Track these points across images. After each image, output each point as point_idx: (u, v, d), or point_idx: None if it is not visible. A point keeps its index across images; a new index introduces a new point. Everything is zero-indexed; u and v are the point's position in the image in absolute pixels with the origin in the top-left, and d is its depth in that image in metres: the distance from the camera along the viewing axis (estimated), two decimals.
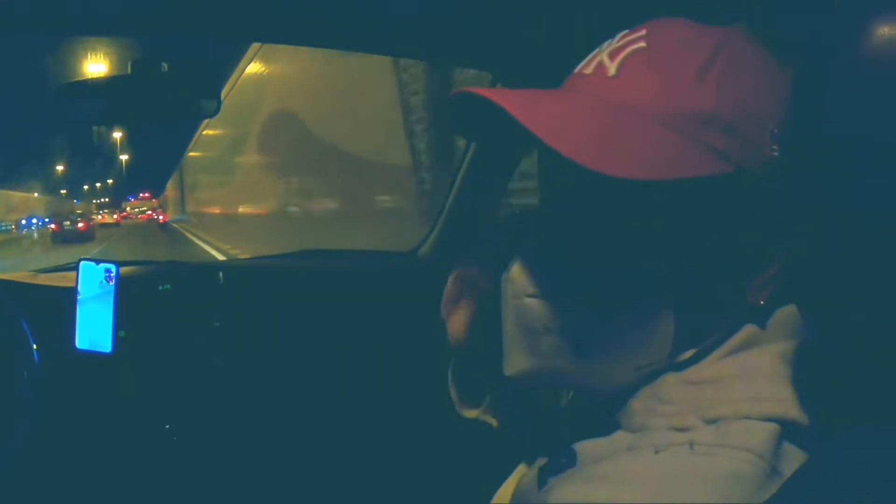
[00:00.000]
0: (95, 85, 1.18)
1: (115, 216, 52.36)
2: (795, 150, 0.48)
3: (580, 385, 0.57)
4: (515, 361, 0.56)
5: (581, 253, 0.53)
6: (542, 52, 1.19)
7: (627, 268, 0.51)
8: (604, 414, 0.57)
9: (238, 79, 19.00)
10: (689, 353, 0.53)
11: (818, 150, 0.40)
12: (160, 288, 1.26)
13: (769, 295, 0.52)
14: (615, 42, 0.55)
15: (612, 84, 0.53)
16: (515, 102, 0.49)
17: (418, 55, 1.44)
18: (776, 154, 0.49)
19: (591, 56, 0.56)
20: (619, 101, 0.51)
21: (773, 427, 0.48)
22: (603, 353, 0.53)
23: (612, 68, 0.53)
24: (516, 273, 0.56)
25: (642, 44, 0.53)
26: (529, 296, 0.54)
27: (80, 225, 26.96)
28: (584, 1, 1.00)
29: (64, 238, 24.97)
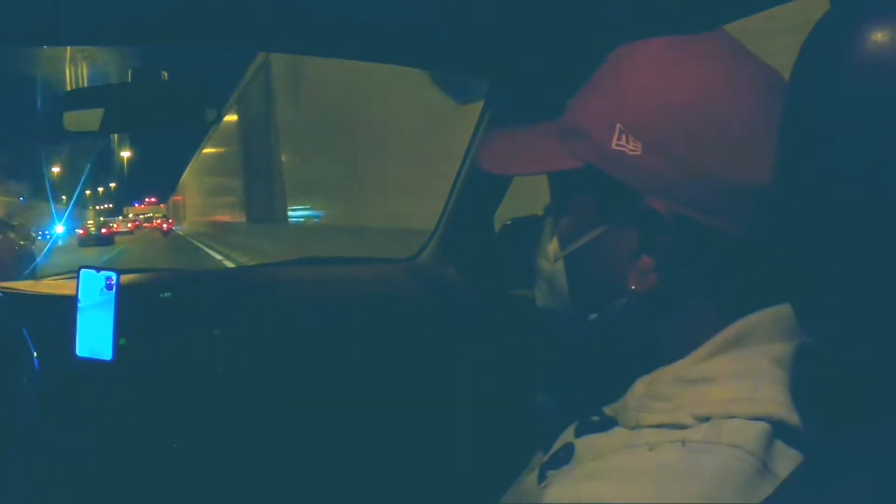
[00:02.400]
0: (96, 93, 1.19)
1: (130, 225, 60.41)
2: (794, 152, 0.49)
3: (559, 324, 0.68)
4: (537, 298, 0.70)
5: (549, 224, 0.67)
6: (538, 59, 1.20)
7: (548, 238, 0.65)
8: (601, 410, 0.61)
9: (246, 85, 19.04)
10: (592, 317, 0.62)
11: (811, 148, 0.41)
12: (161, 296, 1.27)
13: (650, 285, 0.57)
14: None
15: (567, 107, 0.64)
16: (507, 135, 0.69)
17: (417, 64, 1.45)
18: (623, 149, 0.56)
19: None
20: (559, 120, 0.63)
21: (763, 426, 0.49)
22: (550, 297, 0.67)
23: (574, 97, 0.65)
24: (530, 235, 0.71)
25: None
26: (535, 253, 0.68)
27: (103, 231, 33.90)
28: (581, 9, 1.00)
29: (89, 242, 30.81)
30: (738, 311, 0.56)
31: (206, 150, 32.33)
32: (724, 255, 0.55)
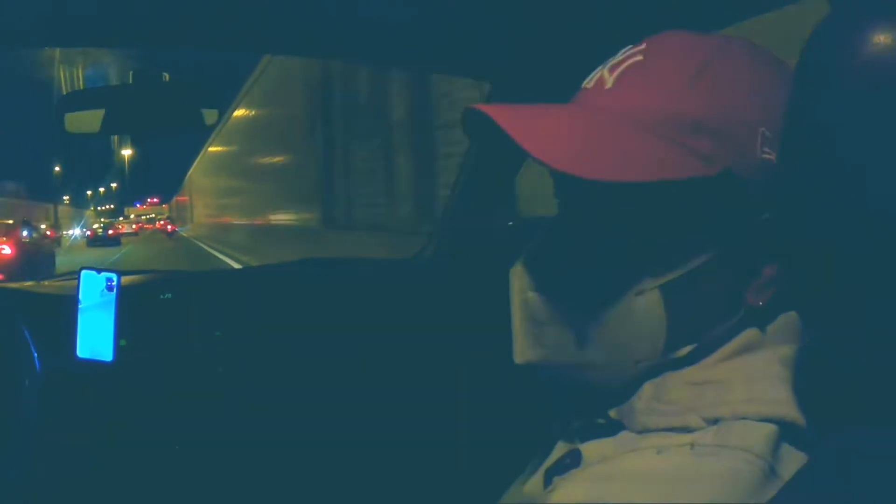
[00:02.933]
0: (97, 95, 1.19)
1: (135, 226, 62.26)
2: (795, 153, 0.49)
3: (583, 378, 0.58)
4: (523, 351, 0.59)
5: (579, 251, 0.56)
6: (539, 61, 1.20)
7: (620, 266, 0.54)
8: (607, 414, 0.59)
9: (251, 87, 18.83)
10: (684, 351, 0.55)
11: (816, 152, 0.41)
12: (161, 297, 1.27)
13: (769, 297, 0.54)
14: (617, 57, 0.58)
15: (609, 96, 0.56)
16: (510, 117, 0.53)
17: (418, 66, 1.45)
18: (768, 157, 0.51)
19: (595, 70, 0.60)
20: (613, 111, 0.54)
21: (771, 428, 0.49)
22: (601, 346, 0.55)
23: (609, 81, 0.57)
24: (521, 269, 0.60)
25: (640, 57, 0.56)
26: (534, 290, 0.58)
27: (110, 232, 36.29)
28: (582, 11, 1.01)
29: (97, 242, 33.05)
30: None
31: (214, 149, 31.62)
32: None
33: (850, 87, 0.39)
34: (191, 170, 43.96)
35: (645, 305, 0.53)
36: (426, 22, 1.10)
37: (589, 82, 0.59)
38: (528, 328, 0.59)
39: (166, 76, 1.14)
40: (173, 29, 1.06)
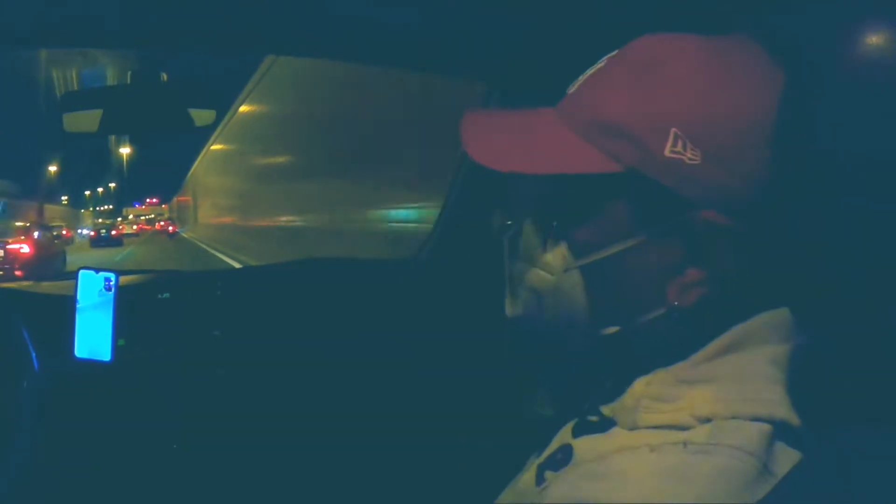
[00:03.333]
0: (95, 95, 1.19)
1: (136, 227, 62.27)
2: (790, 153, 0.49)
3: (548, 338, 0.65)
4: (512, 307, 0.66)
5: (538, 232, 0.62)
6: (536, 63, 1.20)
7: (560, 245, 0.60)
8: (599, 410, 0.60)
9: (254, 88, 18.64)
10: (611, 330, 0.59)
11: (811, 155, 0.41)
12: (159, 296, 1.27)
13: (694, 300, 0.54)
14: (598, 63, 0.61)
15: (567, 99, 0.61)
16: (479, 117, 0.63)
17: (415, 67, 1.45)
18: (681, 157, 0.52)
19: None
20: (564, 112, 0.59)
21: (764, 427, 0.49)
22: (551, 313, 0.61)
23: (575, 86, 0.61)
24: (507, 241, 0.67)
25: (603, 63, 0.60)
26: (512, 260, 0.65)
27: (113, 233, 37.97)
28: (579, 13, 1.01)
29: (100, 243, 34.11)
30: (756, 311, 0.55)
31: (217, 147, 30.29)
32: (759, 260, 0.52)
33: (840, 87, 0.40)
34: (193, 167, 43.20)
35: (571, 281, 0.59)
36: (424, 23, 1.10)
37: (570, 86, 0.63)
38: (511, 290, 0.66)
39: (164, 76, 1.14)
40: (173, 29, 1.06)
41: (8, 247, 14.17)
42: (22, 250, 14.13)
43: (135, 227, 62.96)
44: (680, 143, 0.52)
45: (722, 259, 0.53)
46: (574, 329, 0.60)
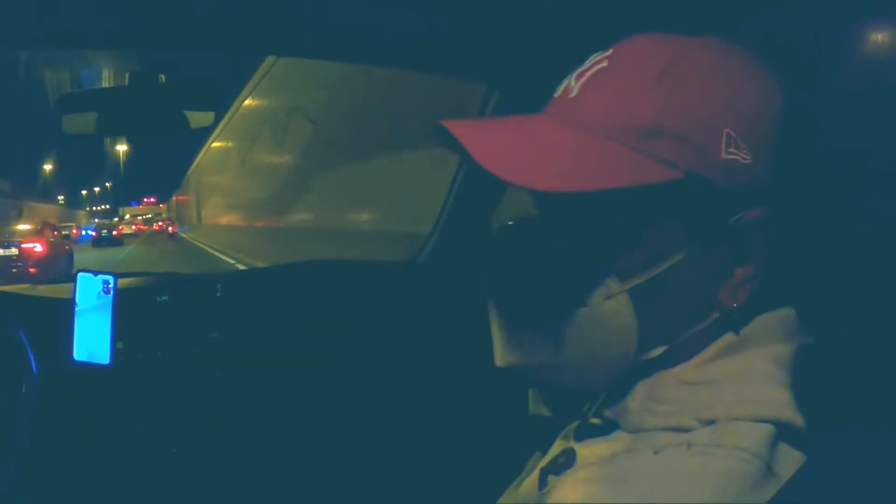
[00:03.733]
0: (93, 96, 1.19)
1: (134, 227, 63.32)
2: (792, 153, 0.49)
3: (560, 380, 0.59)
4: (502, 355, 0.61)
5: (549, 256, 0.57)
6: (535, 63, 1.20)
7: (588, 270, 0.54)
8: (602, 413, 0.59)
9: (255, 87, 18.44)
10: (657, 352, 0.55)
11: (816, 155, 0.41)
12: (158, 299, 1.26)
13: (745, 298, 0.53)
14: (585, 64, 0.58)
15: (573, 105, 0.56)
16: (470, 132, 0.55)
17: (414, 67, 1.45)
18: (734, 157, 0.51)
19: (564, 79, 0.60)
20: (575, 119, 0.55)
21: (767, 428, 0.49)
22: (574, 349, 0.55)
23: (574, 90, 0.57)
24: (495, 274, 0.61)
25: (605, 63, 0.56)
26: (507, 295, 0.60)
27: (114, 233, 39.34)
28: (578, 13, 1.00)
29: (102, 243, 34.73)
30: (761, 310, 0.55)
31: (218, 144, 29.18)
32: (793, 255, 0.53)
33: (841, 87, 0.40)
34: (194, 164, 42.29)
35: (614, 309, 0.54)
36: (425, 24, 1.10)
37: (558, 91, 0.59)
38: (505, 332, 0.60)
39: (163, 78, 1.13)
40: (171, 30, 1.06)
41: (23, 246, 14.97)
42: (35, 249, 14.94)
43: (133, 227, 63.83)
44: (733, 144, 0.51)
45: (766, 254, 0.52)
46: (603, 363, 0.56)
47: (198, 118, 1.19)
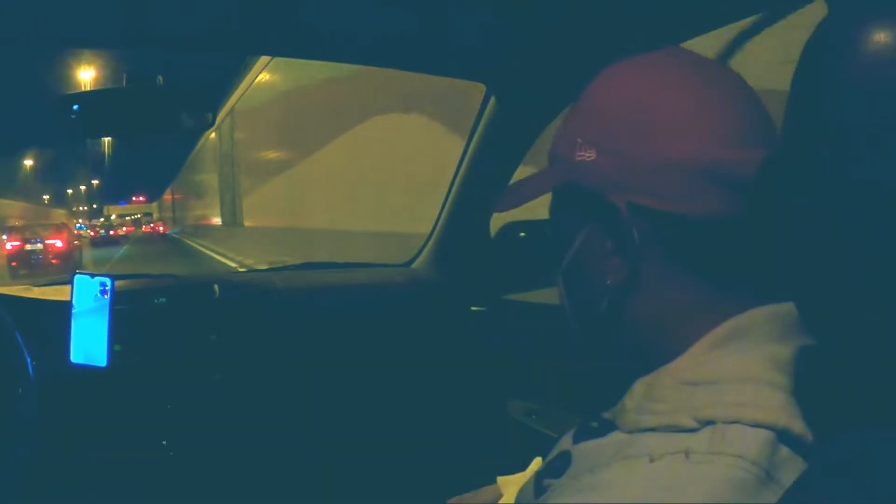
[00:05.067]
0: (91, 97, 1.18)
1: (124, 229, 63.56)
2: (792, 151, 0.49)
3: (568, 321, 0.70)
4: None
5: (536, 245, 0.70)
6: (535, 64, 1.20)
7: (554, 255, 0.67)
8: (600, 415, 0.60)
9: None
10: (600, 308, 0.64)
11: (817, 153, 0.41)
12: (156, 301, 1.26)
13: (623, 277, 0.59)
14: None
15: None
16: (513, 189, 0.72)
17: (414, 68, 1.45)
18: (584, 158, 0.60)
19: None
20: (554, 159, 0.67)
21: (767, 434, 0.48)
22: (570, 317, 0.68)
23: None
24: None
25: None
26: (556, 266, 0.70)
27: (112, 233, 44.25)
28: (577, 15, 1.00)
29: (100, 242, 38.83)
30: (725, 297, 0.57)
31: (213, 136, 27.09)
32: (690, 239, 0.57)
33: (848, 88, 0.39)
34: (188, 160, 41.30)
35: (561, 283, 0.68)
36: (423, 24, 1.10)
37: None
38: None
39: (160, 79, 1.13)
40: (168, 31, 1.06)
41: (46, 242, 18.50)
42: (57, 245, 18.51)
43: (123, 228, 64.58)
44: (584, 148, 0.61)
45: (632, 237, 0.58)
46: (573, 318, 0.68)
47: (196, 120, 1.18)
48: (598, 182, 0.59)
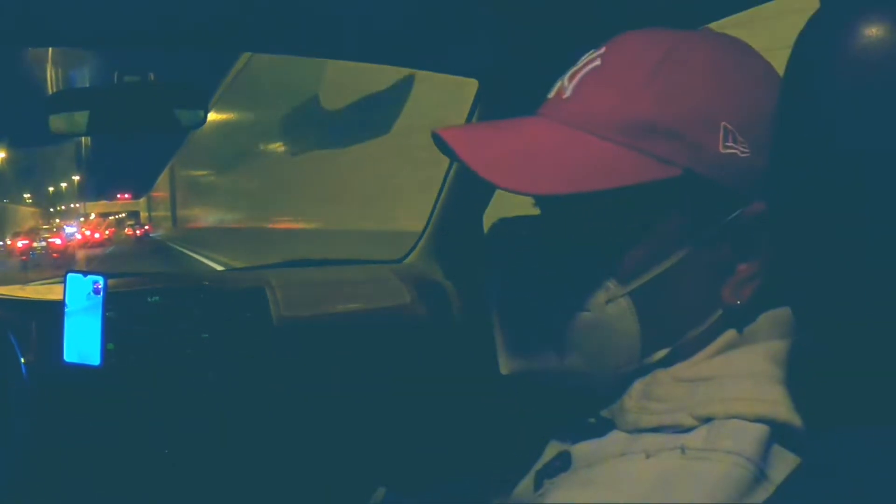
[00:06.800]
0: (82, 95, 1.18)
1: (98, 236, 55.94)
2: (786, 149, 0.49)
3: (566, 385, 0.59)
4: (506, 363, 0.60)
5: (551, 261, 0.56)
6: (526, 59, 1.20)
7: (589, 274, 0.54)
8: (598, 414, 0.58)
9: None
10: (662, 354, 0.55)
11: (808, 148, 0.41)
12: (149, 300, 1.25)
13: (749, 294, 0.53)
14: (577, 64, 0.57)
15: (567, 105, 0.56)
16: (461, 137, 0.55)
17: (405, 64, 1.44)
18: (732, 151, 0.51)
19: (558, 80, 0.59)
20: (570, 120, 0.54)
21: (762, 429, 0.48)
22: (580, 355, 0.55)
23: (568, 90, 0.56)
24: (497, 280, 0.60)
25: (597, 62, 0.55)
26: (510, 301, 0.59)
27: (59, 243, 44.75)
28: (569, 9, 1.00)
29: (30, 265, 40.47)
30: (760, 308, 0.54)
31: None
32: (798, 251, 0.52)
33: (841, 83, 0.39)
34: (175, 155, 38.98)
35: (616, 313, 0.53)
36: (414, 19, 1.09)
37: (552, 92, 0.59)
38: (508, 339, 0.59)
39: (151, 76, 1.13)
40: (159, 28, 1.05)
41: (49, 241, 23.88)
42: (56, 242, 24.14)
43: (97, 235, 52.08)
44: (731, 138, 0.50)
45: (768, 250, 0.52)
46: (607, 367, 0.55)
47: (188, 117, 1.18)
48: (749, 186, 0.50)
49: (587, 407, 0.59)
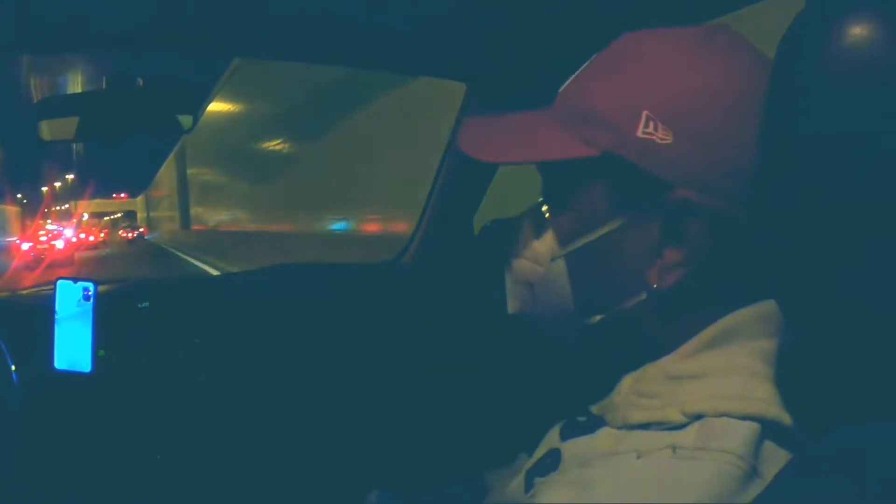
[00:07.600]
0: (71, 101, 1.17)
1: (92, 238, 52.87)
2: (774, 147, 0.49)
3: (540, 331, 0.65)
4: (510, 304, 0.67)
5: (532, 224, 0.64)
6: (514, 65, 1.20)
7: (547, 235, 0.61)
8: (588, 410, 0.60)
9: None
10: (595, 319, 0.59)
11: (802, 144, 0.41)
12: (139, 306, 1.25)
13: (674, 282, 0.54)
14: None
15: (560, 94, 0.62)
16: (474, 122, 0.66)
17: (395, 68, 1.45)
18: (650, 137, 0.53)
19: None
20: (553, 109, 0.61)
21: (753, 426, 0.49)
22: (545, 306, 0.62)
23: (565, 84, 0.62)
24: (504, 236, 0.67)
25: (588, 61, 0.61)
26: (512, 255, 0.65)
27: (102, 234, 47.13)
28: (556, 15, 1.01)
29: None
30: (715, 297, 0.55)
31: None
32: (743, 247, 0.53)
33: (826, 81, 0.40)
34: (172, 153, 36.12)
35: (557, 271, 0.60)
36: (404, 25, 1.10)
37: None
38: (510, 286, 0.66)
39: (141, 81, 1.12)
40: (149, 32, 1.05)
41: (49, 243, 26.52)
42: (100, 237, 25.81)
43: (91, 238, 48.69)
44: (651, 124, 0.53)
45: (700, 240, 0.53)
46: (563, 319, 0.61)
47: (177, 121, 1.18)
48: (672, 171, 0.53)
49: (577, 404, 0.60)
